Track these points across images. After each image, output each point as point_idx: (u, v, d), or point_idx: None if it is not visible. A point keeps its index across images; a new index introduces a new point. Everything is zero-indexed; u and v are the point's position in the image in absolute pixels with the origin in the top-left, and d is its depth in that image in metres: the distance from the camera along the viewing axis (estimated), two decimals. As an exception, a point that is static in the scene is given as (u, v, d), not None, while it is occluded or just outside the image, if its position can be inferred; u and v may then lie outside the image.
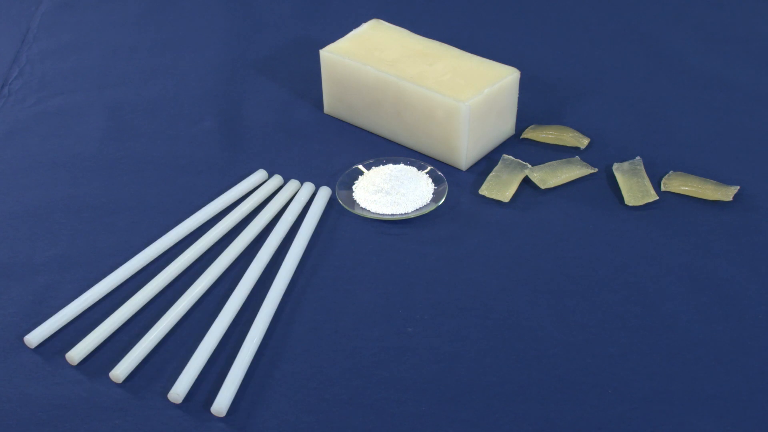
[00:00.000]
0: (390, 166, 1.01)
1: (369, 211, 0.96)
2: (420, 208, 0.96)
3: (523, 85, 1.07)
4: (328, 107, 1.12)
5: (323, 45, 1.10)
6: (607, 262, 0.90)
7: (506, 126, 1.06)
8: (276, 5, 1.37)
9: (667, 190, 0.99)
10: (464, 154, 1.01)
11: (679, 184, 0.98)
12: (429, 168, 1.01)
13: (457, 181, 1.01)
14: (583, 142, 1.06)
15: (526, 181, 1.01)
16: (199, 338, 0.81)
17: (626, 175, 0.99)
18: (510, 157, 1.02)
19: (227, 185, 1.00)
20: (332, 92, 1.10)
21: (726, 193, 0.97)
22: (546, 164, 1.01)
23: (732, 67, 1.21)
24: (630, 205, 0.96)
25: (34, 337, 0.81)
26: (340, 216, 0.97)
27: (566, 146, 1.06)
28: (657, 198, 0.97)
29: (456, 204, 0.98)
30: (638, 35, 1.29)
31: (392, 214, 0.95)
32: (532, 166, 1.01)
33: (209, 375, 0.78)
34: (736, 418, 0.74)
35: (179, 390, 0.75)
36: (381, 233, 0.94)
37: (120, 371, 0.77)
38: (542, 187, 0.99)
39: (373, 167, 1.01)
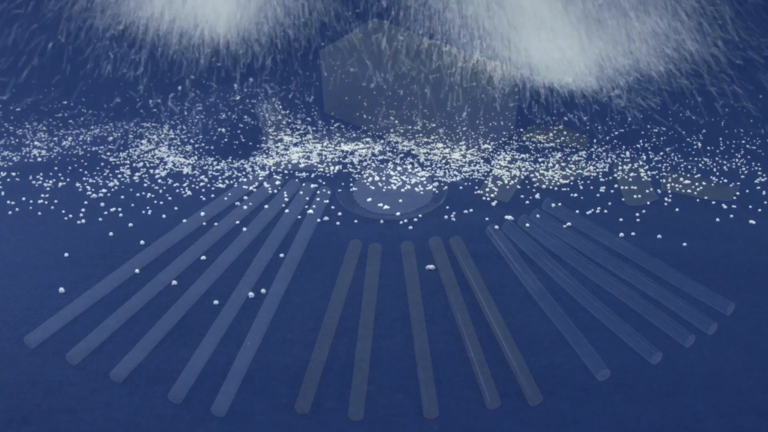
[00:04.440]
0: (390, 166, 1.01)
1: (369, 211, 0.96)
2: (420, 208, 0.96)
3: (523, 85, 1.07)
4: (328, 107, 1.12)
5: (323, 45, 1.10)
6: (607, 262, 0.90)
7: (506, 126, 1.07)
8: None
9: (667, 190, 0.99)
10: (464, 154, 1.01)
11: (679, 184, 0.98)
12: (429, 168, 1.01)
13: (457, 181, 1.01)
14: (584, 142, 1.06)
15: (526, 181, 1.01)
16: (199, 338, 0.81)
17: (626, 175, 0.99)
18: (510, 156, 1.02)
19: (227, 185, 1.00)
20: (332, 92, 1.10)
21: (726, 193, 0.97)
22: (546, 164, 1.01)
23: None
24: (630, 205, 0.96)
25: (34, 337, 0.81)
26: (340, 216, 0.96)
27: (566, 146, 1.06)
28: (657, 198, 0.97)
29: (456, 204, 0.98)
30: (638, 35, 1.29)
31: (392, 214, 0.95)
32: (532, 165, 1.01)
33: (209, 375, 0.78)
34: (736, 417, 0.74)
35: (179, 390, 0.75)
36: (381, 233, 0.94)
37: (120, 371, 0.77)
38: (542, 187, 0.99)
39: (373, 167, 1.02)
